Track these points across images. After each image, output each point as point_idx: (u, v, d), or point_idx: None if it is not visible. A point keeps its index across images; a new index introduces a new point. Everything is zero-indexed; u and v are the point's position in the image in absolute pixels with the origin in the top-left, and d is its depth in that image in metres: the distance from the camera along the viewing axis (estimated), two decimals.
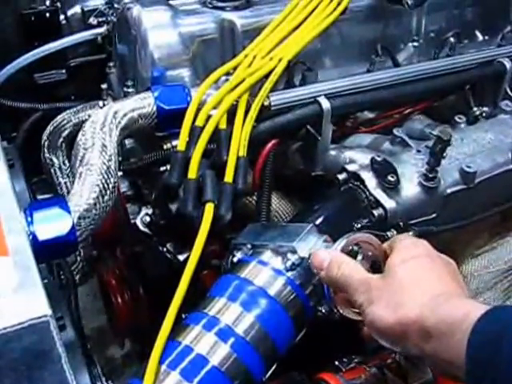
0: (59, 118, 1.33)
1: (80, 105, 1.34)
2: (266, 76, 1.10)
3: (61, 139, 1.34)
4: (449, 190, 1.06)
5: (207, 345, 0.83)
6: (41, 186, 1.41)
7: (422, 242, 0.83)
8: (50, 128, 1.33)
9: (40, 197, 1.35)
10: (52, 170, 1.35)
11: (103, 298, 1.39)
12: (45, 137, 1.34)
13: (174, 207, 1.04)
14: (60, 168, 1.35)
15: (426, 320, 0.70)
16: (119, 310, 1.28)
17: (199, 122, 1.03)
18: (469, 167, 1.07)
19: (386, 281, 0.77)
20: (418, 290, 0.74)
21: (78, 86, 1.58)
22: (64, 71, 1.57)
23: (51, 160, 1.34)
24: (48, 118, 1.36)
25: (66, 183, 1.34)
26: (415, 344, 0.71)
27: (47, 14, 1.52)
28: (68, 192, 1.34)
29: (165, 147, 1.10)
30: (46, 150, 1.34)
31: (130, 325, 1.29)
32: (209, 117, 1.04)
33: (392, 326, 0.73)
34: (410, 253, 0.80)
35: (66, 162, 1.34)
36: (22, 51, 1.44)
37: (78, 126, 1.29)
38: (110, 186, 0.92)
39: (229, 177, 0.99)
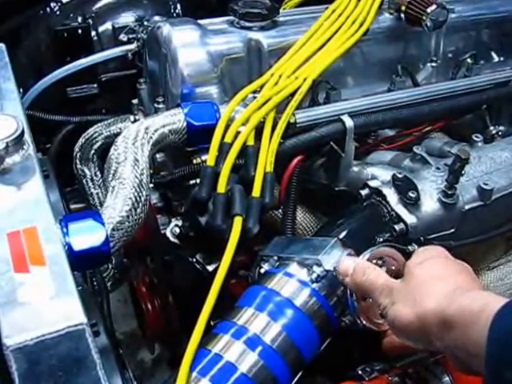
0: (91, 130, 1.36)
1: (111, 118, 1.37)
2: (292, 94, 1.13)
3: (92, 151, 1.37)
4: (467, 207, 1.07)
5: (236, 353, 0.85)
6: (73, 196, 1.43)
7: (439, 248, 0.86)
8: (81, 140, 1.37)
9: (73, 206, 1.37)
10: (84, 181, 1.38)
11: (134, 305, 1.40)
12: (77, 149, 1.37)
13: (203, 220, 1.05)
14: (92, 179, 1.38)
15: (444, 311, 0.71)
16: (149, 317, 1.29)
17: (228, 139, 1.05)
18: (486, 184, 1.08)
19: (405, 282, 0.80)
20: (435, 286, 0.76)
21: (109, 100, 1.61)
22: (95, 86, 1.60)
23: (83, 171, 1.38)
24: (80, 130, 1.40)
25: (97, 194, 1.37)
26: (436, 336, 0.72)
27: (79, 31, 1.55)
28: (100, 202, 1.37)
29: (194, 162, 1.12)
30: (77, 162, 1.38)
31: (159, 331, 1.30)
32: (237, 133, 1.06)
33: (411, 320, 0.74)
34: (426, 255, 0.83)
35: (98, 173, 1.37)
36: (56, 66, 1.47)
37: (109, 139, 1.32)
38: (143, 198, 0.93)
39: (256, 191, 1.01)
